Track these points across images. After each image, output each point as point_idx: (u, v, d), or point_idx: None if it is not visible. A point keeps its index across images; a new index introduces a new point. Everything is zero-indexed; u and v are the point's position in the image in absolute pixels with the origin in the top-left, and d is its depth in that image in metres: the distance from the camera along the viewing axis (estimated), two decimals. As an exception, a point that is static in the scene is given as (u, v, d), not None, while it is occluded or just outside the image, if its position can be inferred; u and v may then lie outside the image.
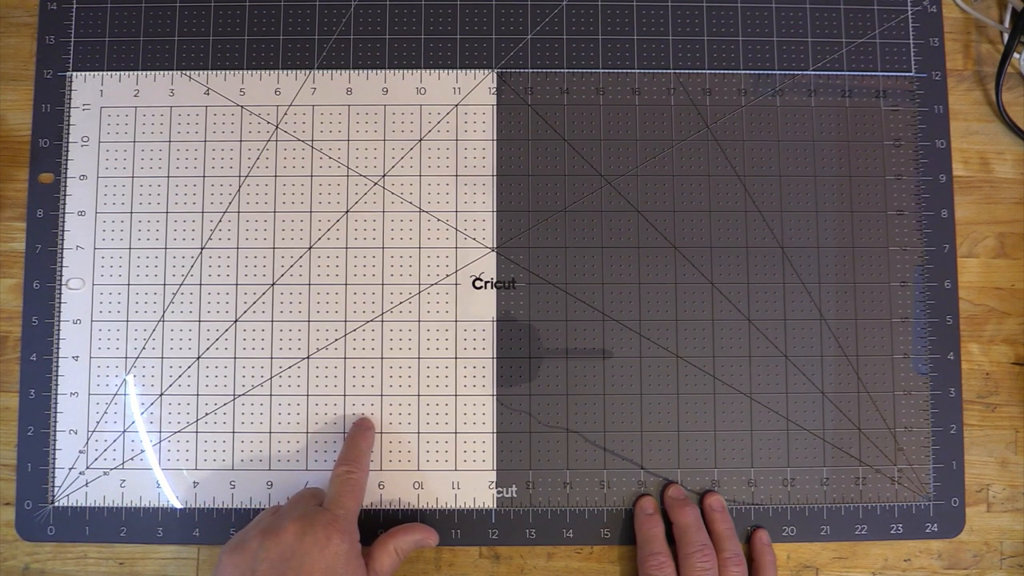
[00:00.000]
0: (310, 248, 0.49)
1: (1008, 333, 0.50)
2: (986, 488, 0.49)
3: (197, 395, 0.48)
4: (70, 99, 0.50)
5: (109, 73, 0.50)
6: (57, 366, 0.48)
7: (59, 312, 0.48)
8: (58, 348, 0.48)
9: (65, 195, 0.49)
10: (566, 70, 0.50)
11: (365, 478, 0.44)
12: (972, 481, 0.49)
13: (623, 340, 0.49)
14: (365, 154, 0.50)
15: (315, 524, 0.40)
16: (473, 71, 0.50)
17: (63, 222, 0.49)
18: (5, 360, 0.49)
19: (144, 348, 0.48)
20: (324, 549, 0.39)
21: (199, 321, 0.48)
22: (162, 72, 0.50)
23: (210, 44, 0.50)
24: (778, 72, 0.50)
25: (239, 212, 0.49)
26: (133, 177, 0.49)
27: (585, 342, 0.49)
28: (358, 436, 0.46)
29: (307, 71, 0.50)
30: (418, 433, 0.48)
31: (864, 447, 0.48)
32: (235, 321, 0.48)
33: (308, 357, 0.48)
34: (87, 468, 0.48)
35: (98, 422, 0.48)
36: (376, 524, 0.47)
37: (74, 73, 0.50)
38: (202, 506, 0.47)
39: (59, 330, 0.48)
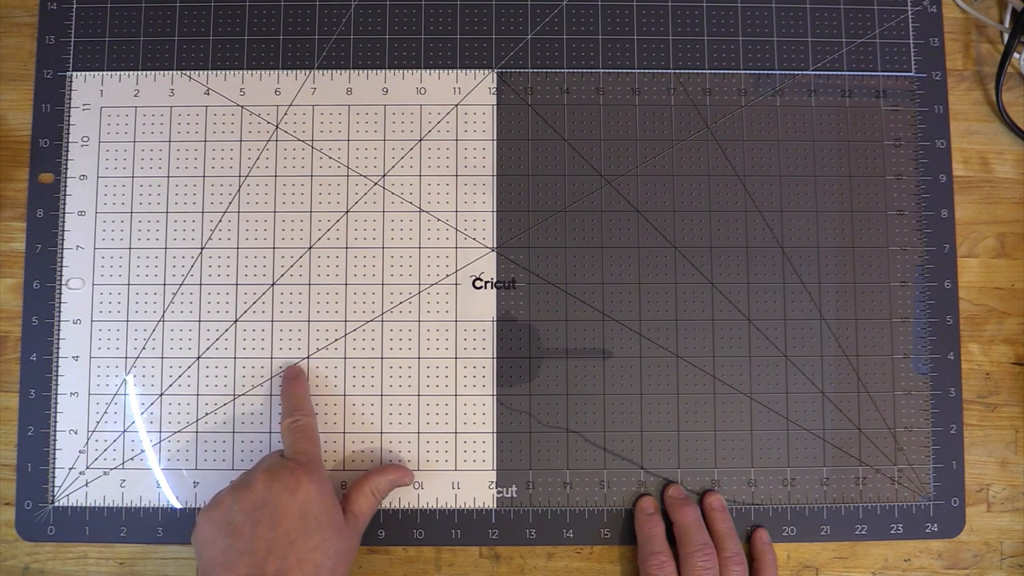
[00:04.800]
0: (310, 248, 0.49)
1: (1008, 333, 0.50)
2: (986, 488, 0.49)
3: (197, 395, 0.48)
4: (70, 99, 0.50)
5: (109, 73, 0.50)
6: (57, 366, 0.48)
7: (59, 312, 0.48)
8: (58, 348, 0.48)
9: (65, 195, 0.49)
10: (566, 70, 0.50)
11: (313, 421, 0.46)
12: (972, 481, 0.49)
13: (623, 340, 0.49)
14: (365, 154, 0.50)
15: (281, 472, 0.41)
16: (473, 71, 0.50)
17: (63, 222, 0.49)
18: (5, 360, 0.49)
19: (144, 348, 0.48)
20: (295, 493, 0.40)
21: (199, 321, 0.48)
22: (162, 72, 0.50)
23: (210, 44, 0.50)
24: (778, 72, 0.50)
25: (239, 212, 0.49)
26: (133, 177, 0.49)
27: (585, 342, 0.49)
28: (291, 385, 0.47)
29: (307, 71, 0.50)
30: (418, 433, 0.48)
31: (864, 447, 0.48)
32: (235, 321, 0.48)
33: (308, 357, 0.48)
34: (87, 468, 0.48)
35: (98, 422, 0.48)
36: (376, 524, 0.47)
37: (74, 73, 0.50)
38: (202, 506, 0.47)
39: (59, 330, 0.48)
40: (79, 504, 0.47)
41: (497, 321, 0.49)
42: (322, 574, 0.39)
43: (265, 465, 0.42)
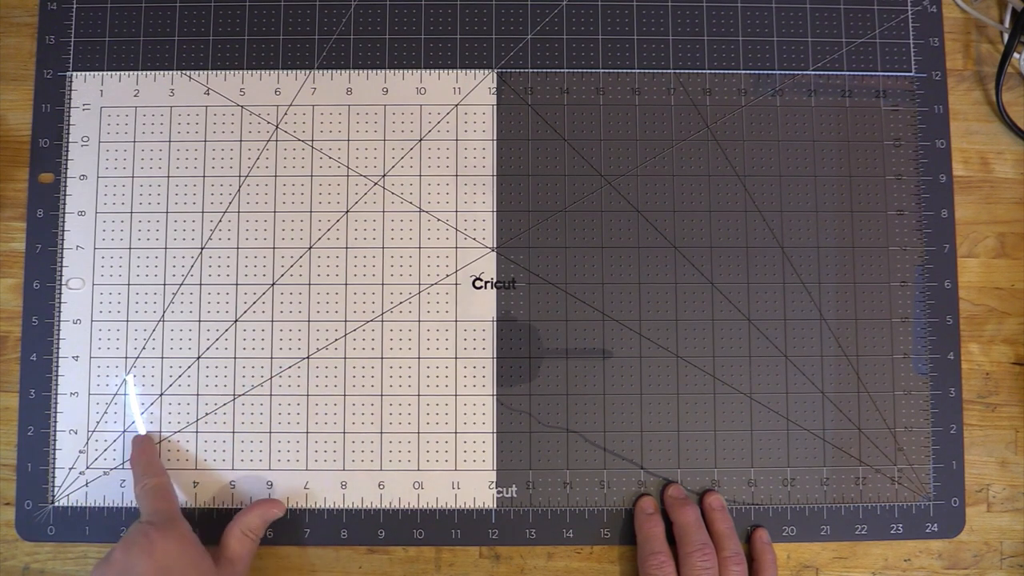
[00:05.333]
0: (310, 248, 0.49)
1: (1008, 333, 0.50)
2: (986, 488, 0.49)
3: (197, 395, 0.48)
4: (70, 99, 0.50)
5: (109, 73, 0.50)
6: (57, 366, 0.48)
7: (59, 312, 0.48)
8: (58, 348, 0.48)
9: (65, 195, 0.49)
10: (566, 70, 0.50)
11: (164, 480, 0.46)
12: (972, 481, 0.49)
13: (623, 340, 0.49)
14: (365, 154, 0.50)
15: (136, 538, 0.41)
16: (473, 71, 0.50)
17: (63, 222, 0.49)
18: (5, 360, 0.49)
19: (144, 348, 0.48)
20: (151, 554, 0.40)
21: (199, 321, 0.48)
22: (162, 72, 0.50)
23: (210, 44, 0.50)
24: (778, 72, 0.50)
25: (239, 212, 0.49)
26: (133, 177, 0.49)
27: (585, 342, 0.49)
28: (137, 451, 0.47)
29: (307, 71, 0.50)
30: (418, 433, 0.48)
31: (864, 447, 0.48)
32: (235, 321, 0.48)
33: (308, 357, 0.48)
34: (87, 468, 0.48)
35: (98, 422, 0.48)
36: (376, 524, 0.47)
37: (74, 73, 0.50)
38: (202, 506, 0.47)
39: (59, 330, 0.48)
40: (79, 504, 0.47)
41: (497, 321, 0.49)
42: None
43: (123, 537, 0.42)
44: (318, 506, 0.47)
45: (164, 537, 0.41)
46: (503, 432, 0.48)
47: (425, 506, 0.47)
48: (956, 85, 0.51)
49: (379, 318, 0.49)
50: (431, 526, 0.47)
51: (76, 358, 0.48)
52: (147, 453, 0.47)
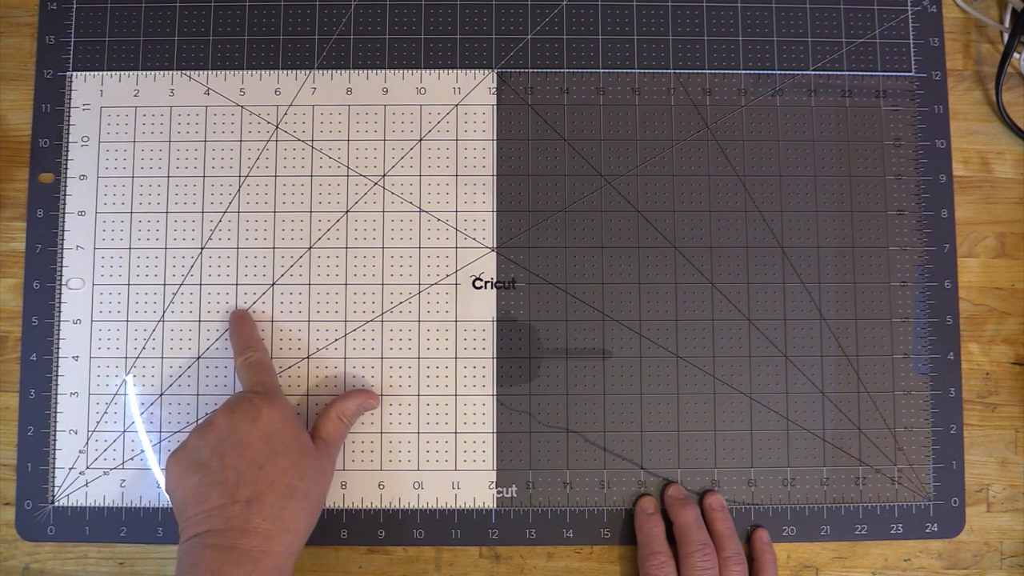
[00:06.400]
0: (310, 248, 0.49)
1: (1008, 333, 0.50)
2: (986, 488, 0.49)
3: (197, 395, 0.48)
4: (70, 99, 0.50)
5: (109, 73, 0.50)
6: (57, 366, 0.48)
7: (59, 312, 0.48)
8: (58, 348, 0.48)
9: (65, 195, 0.49)
10: (566, 70, 0.50)
11: (265, 355, 0.47)
12: (972, 481, 0.49)
13: (623, 340, 0.49)
14: (365, 154, 0.50)
15: (241, 404, 0.42)
16: (473, 71, 0.50)
17: (63, 222, 0.49)
18: (5, 360, 0.49)
19: (144, 348, 0.48)
20: (256, 420, 0.41)
21: (199, 321, 0.48)
22: (162, 72, 0.50)
23: (210, 44, 0.50)
24: (778, 72, 0.50)
25: (239, 212, 0.49)
26: (133, 177, 0.49)
27: (585, 342, 0.49)
28: (238, 327, 0.47)
29: (307, 71, 0.50)
30: (418, 433, 0.48)
31: (864, 447, 0.48)
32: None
33: (308, 357, 0.48)
34: (87, 468, 0.48)
35: (98, 422, 0.48)
36: (376, 524, 0.47)
37: (74, 73, 0.50)
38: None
39: (59, 330, 0.48)
40: (79, 504, 0.47)
41: (497, 321, 0.49)
42: (296, 496, 0.40)
43: (226, 402, 0.43)
44: (318, 506, 0.47)
45: (269, 406, 0.42)
46: (503, 432, 0.48)
47: (425, 506, 0.47)
48: (956, 85, 0.51)
49: (379, 318, 0.49)
50: (431, 526, 0.47)
51: (76, 358, 0.48)
52: (247, 327, 0.47)
